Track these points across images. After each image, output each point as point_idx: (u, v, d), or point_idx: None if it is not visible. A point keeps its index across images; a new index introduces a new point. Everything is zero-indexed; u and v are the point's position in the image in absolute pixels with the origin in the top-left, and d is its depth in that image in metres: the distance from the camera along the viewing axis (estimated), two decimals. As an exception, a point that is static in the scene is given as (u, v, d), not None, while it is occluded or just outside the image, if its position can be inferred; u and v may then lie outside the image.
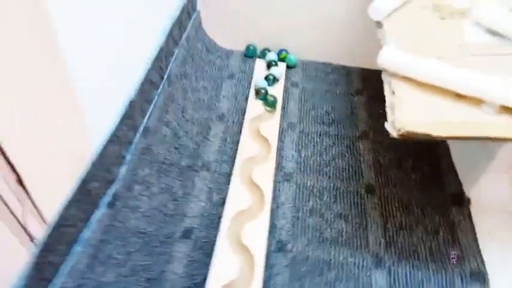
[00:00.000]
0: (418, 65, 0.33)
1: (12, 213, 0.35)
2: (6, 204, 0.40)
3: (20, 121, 0.28)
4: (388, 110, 0.33)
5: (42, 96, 0.27)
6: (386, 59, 0.35)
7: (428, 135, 0.29)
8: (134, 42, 0.39)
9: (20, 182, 0.35)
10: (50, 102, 0.28)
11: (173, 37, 0.48)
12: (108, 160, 0.34)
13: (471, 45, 0.35)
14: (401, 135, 0.30)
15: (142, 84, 0.40)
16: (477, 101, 0.31)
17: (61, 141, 0.29)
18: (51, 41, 0.25)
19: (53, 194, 0.29)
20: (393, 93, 0.33)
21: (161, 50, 0.44)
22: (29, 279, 0.26)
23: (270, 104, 0.51)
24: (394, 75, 0.34)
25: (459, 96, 0.31)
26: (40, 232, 0.41)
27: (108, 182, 0.35)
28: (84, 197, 0.32)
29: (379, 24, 0.41)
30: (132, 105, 0.37)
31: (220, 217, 0.40)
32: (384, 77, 0.35)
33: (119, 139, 0.36)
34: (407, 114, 0.31)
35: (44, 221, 0.41)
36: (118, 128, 0.35)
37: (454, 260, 0.35)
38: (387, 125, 0.31)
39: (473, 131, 0.29)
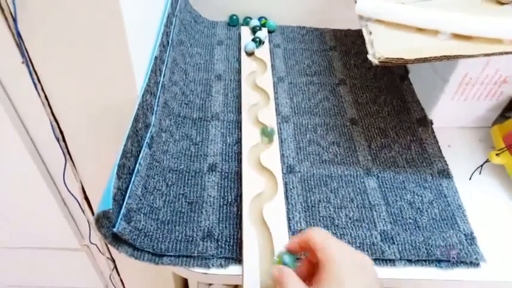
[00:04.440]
0: (387, 9, 0.42)
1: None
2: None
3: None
4: (368, 45, 0.41)
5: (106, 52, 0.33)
6: (363, 8, 0.43)
7: (402, 59, 0.38)
8: (155, 8, 0.45)
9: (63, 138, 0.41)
10: (111, 59, 0.34)
11: (172, 7, 0.54)
12: (146, 106, 0.41)
13: (425, -8, 0.45)
14: (381, 61, 0.39)
15: (159, 45, 0.46)
16: (434, 32, 0.40)
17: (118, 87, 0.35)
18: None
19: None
20: (370, 33, 0.42)
21: (168, 17, 0.50)
22: (112, 201, 0.32)
23: (268, 134, 0.48)
24: (369, 19, 0.43)
25: (420, 30, 0.41)
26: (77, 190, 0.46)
27: (146, 126, 0.42)
28: (135, 135, 0.38)
29: (350, -18, 0.49)
30: (155, 61, 0.44)
31: (237, 153, 0.48)
32: (361, 22, 0.44)
33: (150, 88, 0.42)
34: (383, 46, 0.40)
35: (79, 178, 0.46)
36: (149, 80, 0.41)
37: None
38: (369, 56, 0.40)
39: (435, 52, 0.38)
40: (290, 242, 0.31)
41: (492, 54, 0.39)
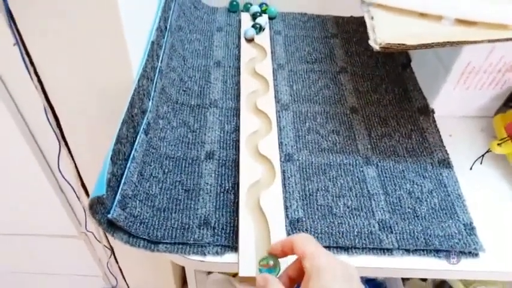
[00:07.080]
0: (390, -7, 0.41)
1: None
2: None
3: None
4: (369, 31, 0.41)
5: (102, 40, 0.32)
6: (364, -9, 0.42)
7: (403, 44, 0.37)
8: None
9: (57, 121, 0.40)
10: (105, 42, 0.33)
11: (170, -9, 0.53)
12: (142, 92, 0.40)
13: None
14: (383, 47, 0.38)
15: (157, 30, 0.45)
16: (437, 18, 0.39)
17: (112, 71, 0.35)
18: None
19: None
20: (372, 18, 0.41)
21: (166, 1, 0.49)
22: (107, 186, 0.32)
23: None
24: (370, 4, 0.42)
25: (423, 15, 0.40)
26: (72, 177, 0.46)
27: (142, 112, 0.41)
28: (130, 120, 0.37)
29: (353, -34, 0.48)
30: (152, 46, 0.43)
31: (235, 141, 0.47)
32: (362, 7, 0.43)
33: (147, 74, 0.41)
34: (385, 31, 0.39)
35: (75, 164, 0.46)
36: (145, 65, 0.41)
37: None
38: (371, 42, 0.39)
39: (438, 38, 0.37)
40: (273, 244, 0.31)
41: (497, 40, 0.38)
